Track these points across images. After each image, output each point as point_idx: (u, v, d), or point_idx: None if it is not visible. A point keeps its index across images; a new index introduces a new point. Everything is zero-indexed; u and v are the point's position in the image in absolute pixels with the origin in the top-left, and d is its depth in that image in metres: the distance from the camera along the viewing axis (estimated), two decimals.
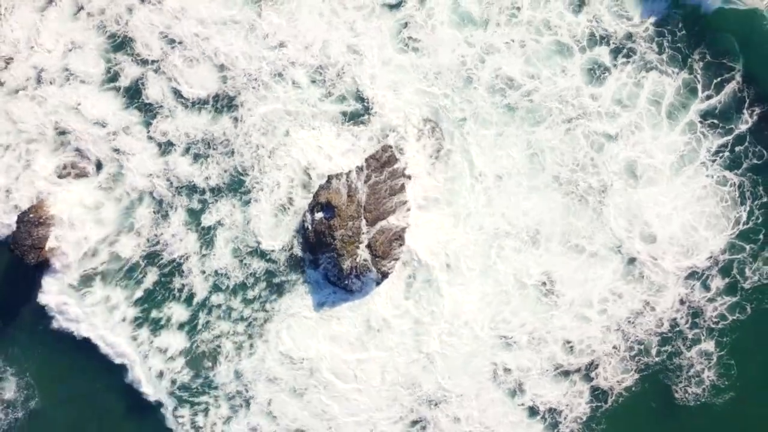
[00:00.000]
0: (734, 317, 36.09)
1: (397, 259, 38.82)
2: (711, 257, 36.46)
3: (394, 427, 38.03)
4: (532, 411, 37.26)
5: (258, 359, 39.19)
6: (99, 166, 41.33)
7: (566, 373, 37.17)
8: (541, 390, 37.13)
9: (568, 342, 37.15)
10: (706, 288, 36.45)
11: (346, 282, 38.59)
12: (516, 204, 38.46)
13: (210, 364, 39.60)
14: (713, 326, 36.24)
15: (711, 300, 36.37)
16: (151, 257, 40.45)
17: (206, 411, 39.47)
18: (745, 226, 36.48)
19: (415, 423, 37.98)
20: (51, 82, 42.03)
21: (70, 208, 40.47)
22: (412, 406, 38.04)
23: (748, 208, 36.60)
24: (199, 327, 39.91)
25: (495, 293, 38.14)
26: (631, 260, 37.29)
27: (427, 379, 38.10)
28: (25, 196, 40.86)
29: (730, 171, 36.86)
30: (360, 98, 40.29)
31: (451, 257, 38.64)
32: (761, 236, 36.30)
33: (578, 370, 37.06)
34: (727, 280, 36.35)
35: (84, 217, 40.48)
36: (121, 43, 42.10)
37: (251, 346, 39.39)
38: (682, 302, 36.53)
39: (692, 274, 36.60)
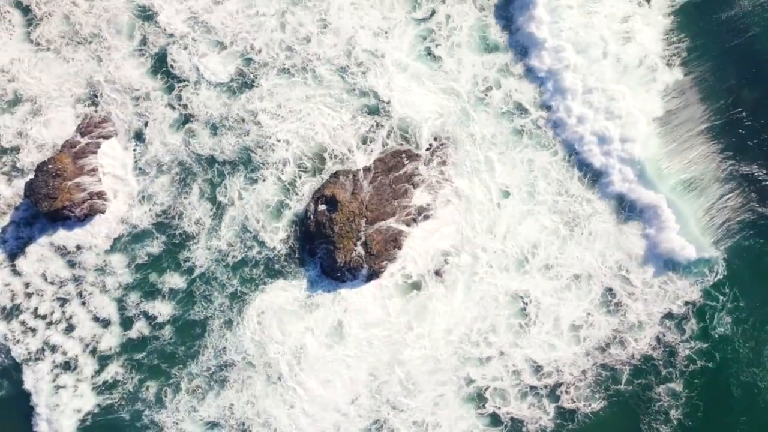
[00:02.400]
0: (703, 362, 37.43)
1: (390, 261, 40.38)
2: (687, 303, 38.02)
3: (354, 426, 39.18)
4: (495, 420, 38.40)
5: (237, 340, 40.44)
6: (124, 128, 43.20)
7: (533, 389, 38.41)
8: (506, 403, 38.36)
9: (536, 363, 38.45)
10: (681, 330, 37.88)
11: (338, 274, 40.17)
12: (513, 225, 40.16)
13: (192, 340, 40.91)
14: (684, 368, 37.51)
15: (683, 342, 37.75)
16: (161, 226, 42.13)
17: (177, 385, 40.72)
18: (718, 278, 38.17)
19: (375, 423, 39.00)
20: (80, 43, 44.25)
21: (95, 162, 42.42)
22: (375, 408, 39.14)
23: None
24: (193, 299, 41.26)
25: (475, 308, 39.54)
26: (609, 290, 38.89)
27: (393, 382, 39.28)
28: (47, 146, 43.00)
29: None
30: (378, 98, 42.14)
31: (441, 268, 40.17)
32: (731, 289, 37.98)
33: (545, 387, 38.33)
34: (701, 324, 37.78)
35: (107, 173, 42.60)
36: (149, 15, 44.32)
37: (233, 325, 40.70)
38: (658, 340, 37.90)
39: (668, 315, 38.07)
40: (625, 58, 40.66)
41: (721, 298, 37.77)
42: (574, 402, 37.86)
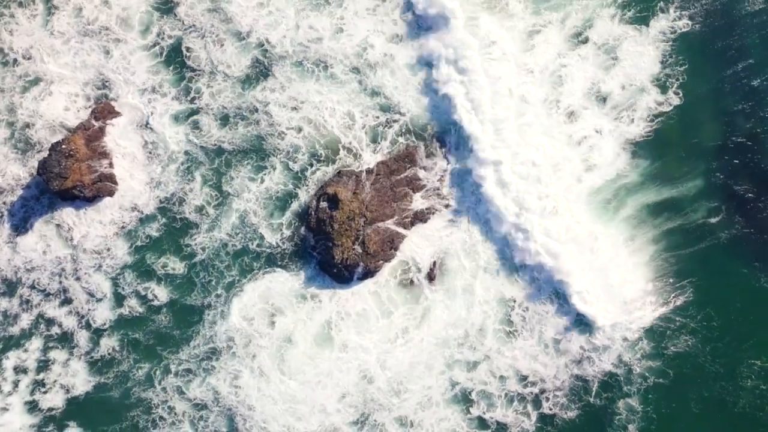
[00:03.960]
0: (658, 379, 38.67)
1: (386, 261, 41.68)
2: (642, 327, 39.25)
3: (337, 419, 40.38)
4: (482, 423, 39.55)
5: (227, 329, 41.70)
6: (136, 116, 44.57)
7: (519, 395, 39.53)
8: (491, 406, 39.54)
9: (521, 372, 39.56)
10: (634, 350, 39.11)
11: (335, 270, 41.41)
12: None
13: (187, 326, 42.23)
14: (640, 385, 38.75)
15: (638, 360, 38.95)
16: (165, 211, 43.42)
17: (167, 368, 42.04)
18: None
19: (361, 417, 40.22)
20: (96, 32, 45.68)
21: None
22: (361, 404, 40.30)
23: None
24: (192, 284, 42.63)
25: (467, 312, 40.68)
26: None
27: (381, 381, 40.41)
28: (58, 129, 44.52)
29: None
30: (387, 97, 43.18)
31: (434, 270, 41.30)
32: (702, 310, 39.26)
33: (530, 394, 39.44)
34: (653, 344, 38.98)
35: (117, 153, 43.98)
36: (169, 8, 45.54)
37: (224, 313, 41.95)
38: (620, 360, 39.13)
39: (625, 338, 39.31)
40: None
41: (685, 321, 39.07)
42: (551, 410, 39.04)
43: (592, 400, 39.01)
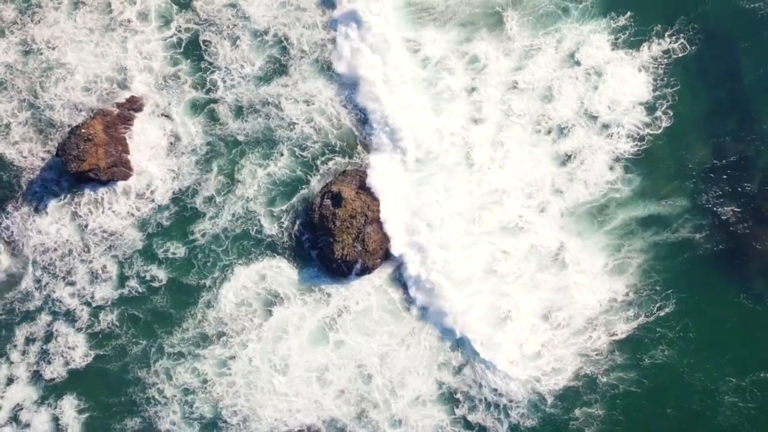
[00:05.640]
0: (631, 388, 39.77)
1: (384, 259, 43.02)
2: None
3: (326, 412, 41.41)
4: (467, 424, 40.67)
5: (222, 314, 43.03)
6: (153, 105, 46.17)
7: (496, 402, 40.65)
8: (474, 410, 40.58)
9: (495, 389, 40.62)
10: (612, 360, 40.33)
11: (334, 266, 42.68)
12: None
13: (184, 307, 43.60)
14: (607, 393, 39.94)
15: (607, 372, 40.15)
16: (177, 200, 44.95)
17: (161, 348, 43.25)
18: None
19: (354, 410, 41.28)
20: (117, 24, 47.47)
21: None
22: (355, 399, 41.38)
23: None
24: (192, 267, 44.03)
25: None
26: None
27: (376, 380, 41.43)
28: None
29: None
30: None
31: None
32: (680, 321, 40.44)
33: (505, 401, 40.52)
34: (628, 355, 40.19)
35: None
36: (187, 2, 47.20)
37: (217, 298, 43.31)
38: (577, 374, 40.25)
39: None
40: None
41: (665, 332, 40.17)
42: (515, 418, 40.08)
43: (549, 410, 40.02)
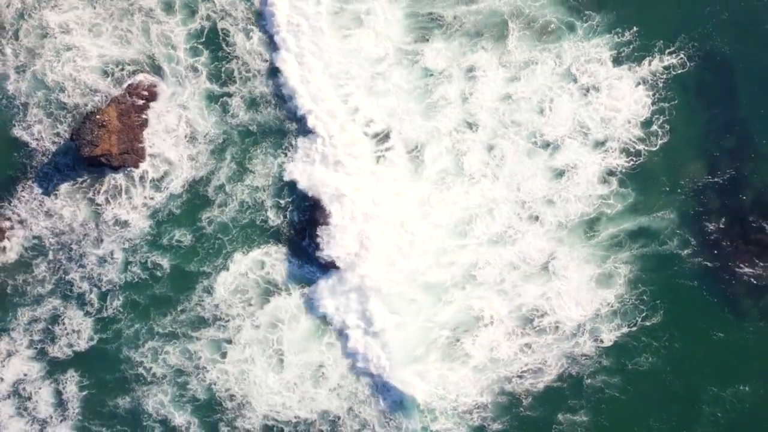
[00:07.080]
0: (613, 393, 40.86)
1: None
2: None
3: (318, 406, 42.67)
4: None
5: (219, 300, 44.21)
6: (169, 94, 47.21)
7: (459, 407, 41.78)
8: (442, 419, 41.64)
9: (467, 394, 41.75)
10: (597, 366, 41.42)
11: (333, 262, 43.42)
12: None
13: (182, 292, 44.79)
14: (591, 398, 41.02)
15: (591, 376, 41.21)
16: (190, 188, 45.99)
17: (155, 331, 44.45)
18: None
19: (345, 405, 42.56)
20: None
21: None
22: (346, 395, 42.65)
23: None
24: (195, 254, 45.24)
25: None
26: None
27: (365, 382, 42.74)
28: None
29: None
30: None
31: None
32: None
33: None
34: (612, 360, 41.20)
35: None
36: None
37: (213, 285, 44.41)
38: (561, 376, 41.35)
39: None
40: None
41: (651, 341, 41.22)
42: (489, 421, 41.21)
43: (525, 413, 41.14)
